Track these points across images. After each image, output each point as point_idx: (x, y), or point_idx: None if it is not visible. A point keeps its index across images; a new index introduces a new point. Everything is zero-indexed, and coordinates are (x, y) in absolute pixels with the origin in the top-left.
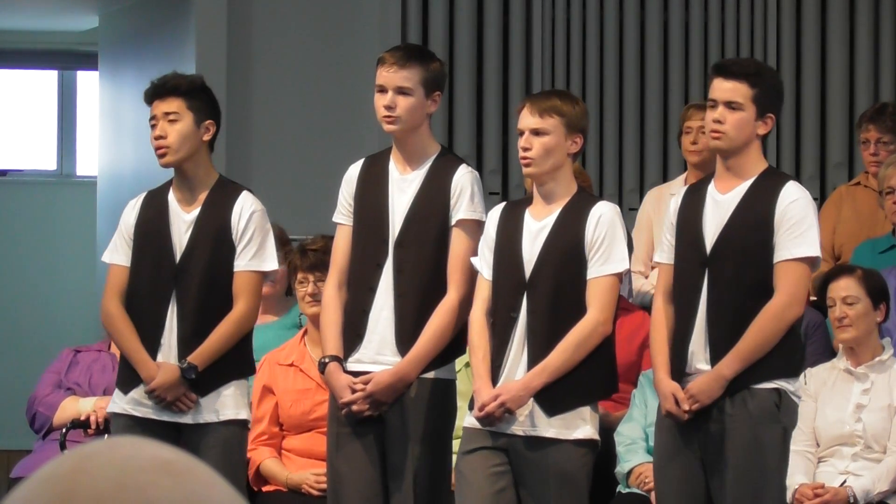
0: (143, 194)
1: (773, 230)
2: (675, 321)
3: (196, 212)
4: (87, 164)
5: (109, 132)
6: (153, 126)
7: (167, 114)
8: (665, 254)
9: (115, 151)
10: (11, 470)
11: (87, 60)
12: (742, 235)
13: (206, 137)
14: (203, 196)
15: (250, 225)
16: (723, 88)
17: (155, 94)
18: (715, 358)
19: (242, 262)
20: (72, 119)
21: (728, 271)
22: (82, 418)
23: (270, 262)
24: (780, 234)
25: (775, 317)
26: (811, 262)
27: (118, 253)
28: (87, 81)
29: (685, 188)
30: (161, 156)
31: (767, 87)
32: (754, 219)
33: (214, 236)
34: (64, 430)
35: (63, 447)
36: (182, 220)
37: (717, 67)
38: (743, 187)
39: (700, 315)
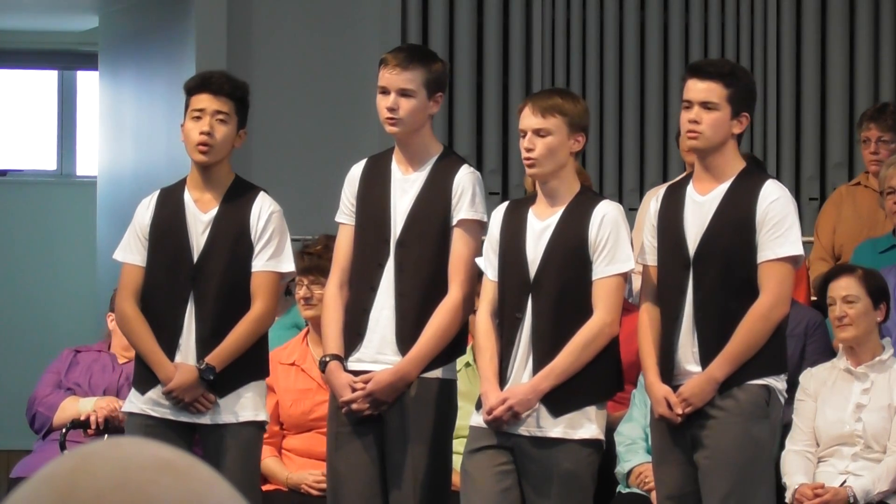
0: (157, 192)
1: (754, 230)
2: (661, 323)
3: (213, 212)
4: (87, 164)
5: (109, 132)
6: (197, 118)
7: (219, 112)
8: (647, 255)
9: (115, 151)
10: (11, 470)
11: (87, 60)
12: (724, 237)
13: (238, 145)
14: (220, 196)
15: (269, 225)
16: (698, 89)
17: (207, 88)
18: (704, 358)
19: (260, 262)
20: (72, 119)
21: (712, 273)
22: (82, 418)
23: (287, 263)
24: (762, 234)
25: (762, 318)
26: (794, 260)
27: (132, 252)
28: (87, 81)
29: (664, 189)
30: (203, 153)
31: (741, 87)
32: (736, 220)
33: (233, 237)
34: (64, 431)
35: (63, 447)
36: (199, 221)
37: (692, 68)
38: (722, 188)
39: (686, 317)
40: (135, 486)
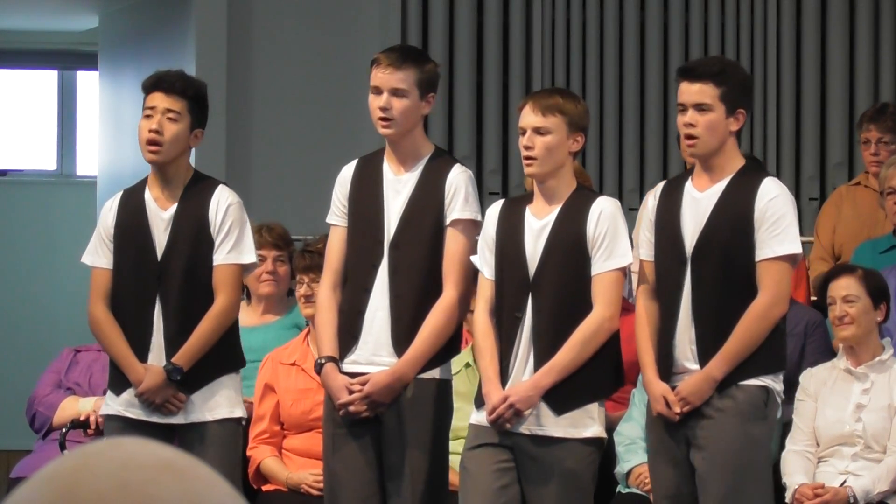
0: (119, 194)
1: (753, 228)
2: (659, 319)
3: (173, 209)
4: (87, 164)
5: (109, 132)
6: (148, 116)
7: (169, 111)
8: (645, 250)
9: (115, 151)
10: (11, 470)
11: (87, 60)
12: (722, 234)
13: (193, 144)
14: (179, 192)
15: (227, 217)
16: (690, 91)
17: (159, 86)
18: (701, 356)
19: (221, 256)
20: (72, 119)
21: (709, 269)
22: (82, 418)
23: (248, 254)
24: (760, 232)
25: (760, 316)
26: (792, 258)
27: (98, 255)
28: (87, 81)
29: (662, 185)
30: (153, 152)
31: (734, 84)
32: (734, 217)
33: (193, 232)
34: (64, 430)
35: (63, 447)
36: (160, 219)
37: (682, 71)
38: (721, 185)
39: (684, 313)
40: (135, 485)
